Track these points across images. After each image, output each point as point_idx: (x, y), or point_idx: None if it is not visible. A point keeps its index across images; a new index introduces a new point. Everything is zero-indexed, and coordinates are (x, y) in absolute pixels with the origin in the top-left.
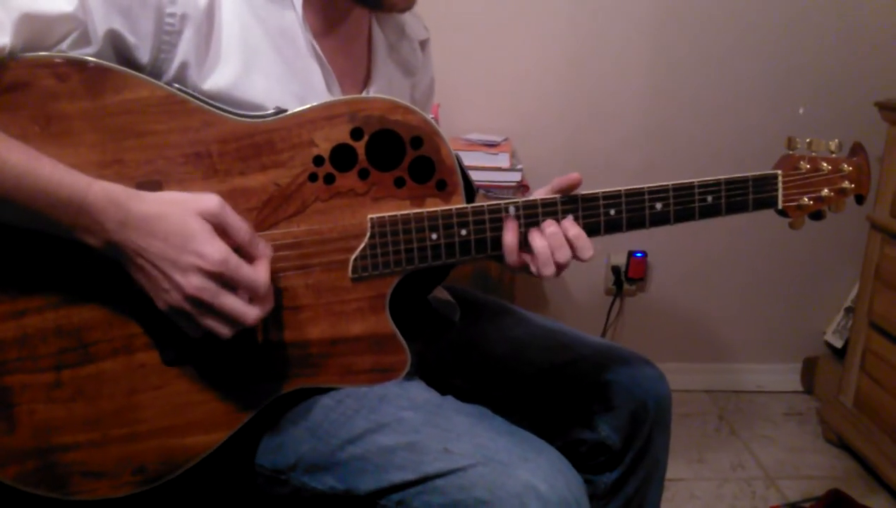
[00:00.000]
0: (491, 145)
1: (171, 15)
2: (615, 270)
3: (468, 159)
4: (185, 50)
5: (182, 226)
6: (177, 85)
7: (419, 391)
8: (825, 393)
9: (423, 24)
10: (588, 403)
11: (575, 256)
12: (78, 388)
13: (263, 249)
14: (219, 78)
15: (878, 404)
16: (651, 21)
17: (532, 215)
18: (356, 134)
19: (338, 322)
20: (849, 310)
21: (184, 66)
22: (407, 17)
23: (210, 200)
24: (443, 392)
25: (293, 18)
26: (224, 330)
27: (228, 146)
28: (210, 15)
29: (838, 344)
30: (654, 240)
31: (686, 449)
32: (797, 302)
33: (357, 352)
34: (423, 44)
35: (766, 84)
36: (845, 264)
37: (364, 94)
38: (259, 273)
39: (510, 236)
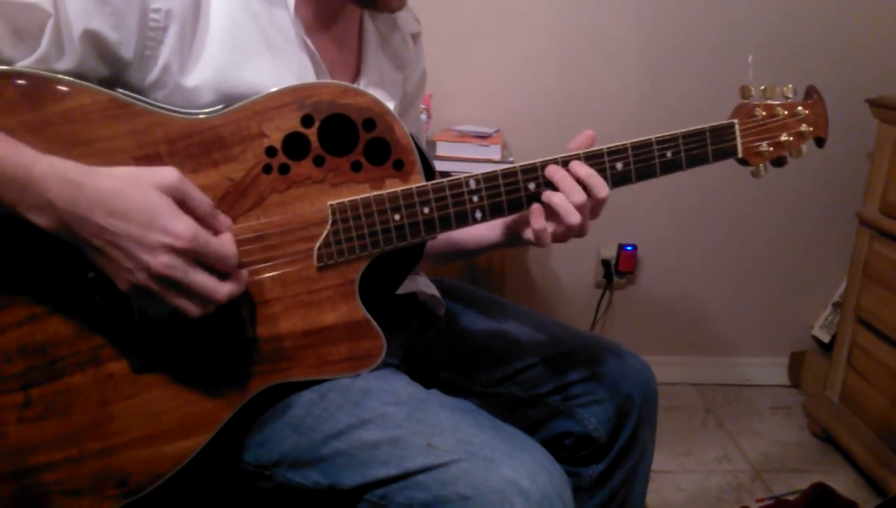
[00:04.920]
0: (482, 137)
1: (157, 10)
2: (605, 263)
3: (459, 151)
4: (170, 46)
5: (143, 203)
6: (120, 89)
7: (403, 385)
8: (812, 387)
9: (414, 17)
10: (575, 395)
11: (590, 195)
12: (48, 405)
13: (225, 221)
14: (203, 72)
15: (863, 399)
16: (645, 14)
17: (494, 187)
18: (307, 121)
19: (308, 313)
20: (836, 305)
21: (169, 63)
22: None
23: (168, 173)
24: (429, 385)
25: (285, 13)
26: (193, 309)
27: (177, 145)
28: (196, 10)
29: (825, 338)
30: (645, 233)
31: (673, 442)
32: (785, 297)
33: (331, 342)
34: (415, 37)
35: (757, 80)
36: (833, 259)
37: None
38: (226, 244)
39: (539, 220)
